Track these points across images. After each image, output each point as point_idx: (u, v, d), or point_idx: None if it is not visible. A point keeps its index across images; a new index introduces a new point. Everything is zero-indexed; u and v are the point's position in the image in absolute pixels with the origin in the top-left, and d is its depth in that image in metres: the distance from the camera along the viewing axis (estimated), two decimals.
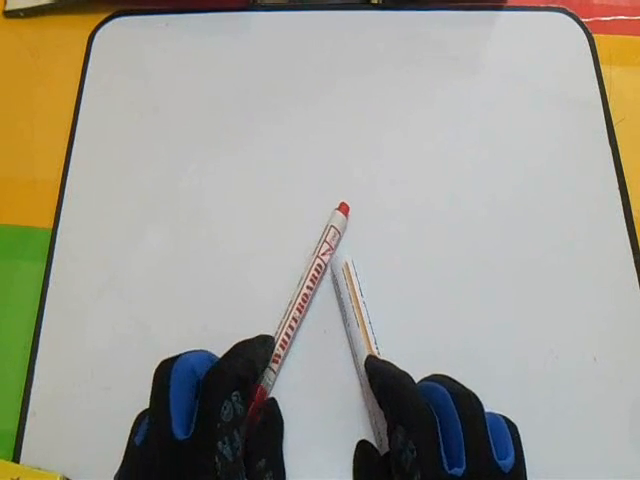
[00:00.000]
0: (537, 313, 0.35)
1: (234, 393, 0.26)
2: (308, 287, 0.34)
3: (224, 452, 0.24)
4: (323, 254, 0.35)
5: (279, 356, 0.33)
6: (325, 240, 0.35)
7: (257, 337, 0.31)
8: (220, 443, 0.24)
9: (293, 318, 0.33)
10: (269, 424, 0.31)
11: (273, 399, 0.32)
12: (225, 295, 0.36)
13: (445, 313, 0.35)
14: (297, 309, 0.33)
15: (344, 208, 0.37)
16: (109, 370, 0.34)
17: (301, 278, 0.35)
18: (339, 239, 0.36)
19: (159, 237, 0.38)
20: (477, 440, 0.24)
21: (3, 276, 0.37)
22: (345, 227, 0.37)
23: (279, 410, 0.31)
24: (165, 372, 0.26)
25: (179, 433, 0.24)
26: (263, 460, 0.28)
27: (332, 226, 0.35)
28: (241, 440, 0.26)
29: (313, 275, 0.34)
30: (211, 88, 0.42)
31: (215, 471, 0.24)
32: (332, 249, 0.35)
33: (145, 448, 0.25)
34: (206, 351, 0.29)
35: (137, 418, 0.28)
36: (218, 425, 0.25)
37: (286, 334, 0.33)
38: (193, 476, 0.24)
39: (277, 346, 0.33)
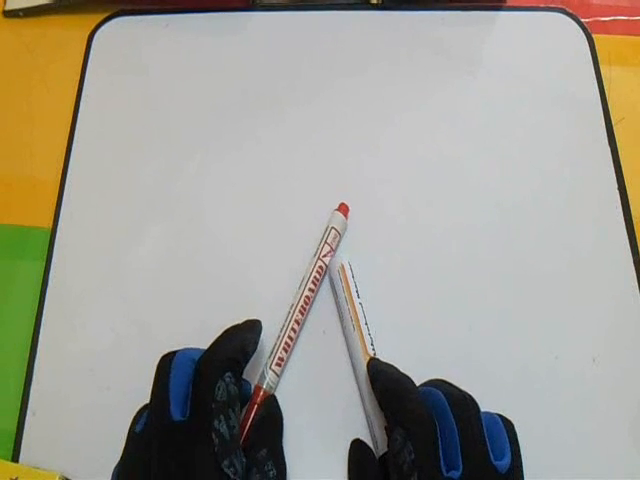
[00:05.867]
0: (536, 313, 0.35)
1: (227, 374, 0.27)
2: (310, 289, 0.34)
3: (221, 430, 0.25)
4: (324, 256, 0.35)
5: (282, 359, 0.33)
6: (326, 242, 0.35)
7: (244, 322, 0.32)
8: (216, 421, 0.25)
9: (295, 321, 0.33)
10: (269, 418, 0.31)
11: (273, 396, 0.32)
12: (225, 296, 0.36)
13: (444, 314, 0.35)
14: (299, 311, 0.33)
15: (344, 209, 0.36)
16: (109, 370, 0.34)
17: (302, 280, 0.35)
18: (339, 240, 0.36)
19: (159, 237, 0.38)
20: (473, 442, 0.25)
21: (2, 276, 0.37)
22: (345, 228, 0.37)
23: (279, 406, 0.32)
24: (166, 362, 0.27)
25: (177, 415, 0.25)
26: (264, 450, 0.28)
27: (333, 227, 0.35)
28: (237, 419, 0.27)
29: (315, 277, 0.34)
30: (211, 88, 0.42)
31: (213, 447, 0.24)
32: (333, 251, 0.35)
33: (144, 433, 0.26)
34: None
35: (138, 411, 0.29)
36: (213, 405, 0.25)
37: (289, 337, 0.33)
38: (191, 452, 0.24)
39: (280, 349, 0.33)
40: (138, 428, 0.26)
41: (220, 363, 0.27)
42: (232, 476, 0.25)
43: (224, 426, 0.25)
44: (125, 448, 0.26)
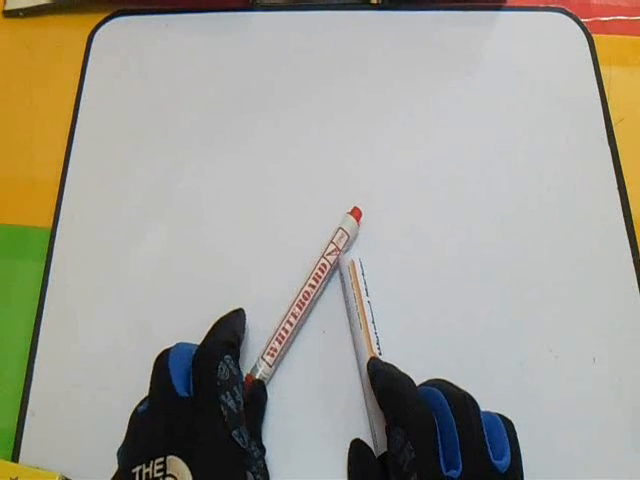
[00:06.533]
0: (537, 313, 0.35)
1: (226, 357, 0.28)
2: (310, 285, 0.34)
3: (228, 403, 0.26)
4: (329, 254, 0.35)
5: (275, 350, 0.33)
6: (332, 241, 0.35)
7: (230, 312, 0.33)
8: (223, 396, 0.26)
9: (292, 314, 0.34)
10: (253, 401, 0.32)
11: (260, 381, 0.32)
12: (227, 296, 0.35)
13: (446, 314, 0.35)
14: (297, 305, 0.34)
15: (356, 213, 0.37)
16: (108, 370, 0.34)
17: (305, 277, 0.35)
18: (348, 242, 0.36)
19: (159, 237, 0.38)
20: (473, 441, 0.25)
21: (2, 276, 0.37)
22: (357, 231, 0.36)
23: (265, 391, 0.33)
24: (165, 353, 0.28)
25: (182, 392, 0.26)
26: (248, 432, 0.29)
27: (340, 228, 0.36)
28: (242, 396, 0.28)
29: (316, 274, 0.34)
30: (211, 88, 0.42)
31: (222, 418, 0.25)
32: (338, 250, 0.35)
33: (148, 411, 0.26)
34: None
35: (139, 404, 0.29)
36: (218, 383, 0.26)
37: (284, 329, 0.33)
38: (201, 423, 0.25)
39: (274, 340, 0.33)
40: (141, 409, 0.27)
41: (220, 346, 0.28)
42: (242, 445, 0.26)
43: (231, 400, 0.26)
44: (128, 428, 0.27)
